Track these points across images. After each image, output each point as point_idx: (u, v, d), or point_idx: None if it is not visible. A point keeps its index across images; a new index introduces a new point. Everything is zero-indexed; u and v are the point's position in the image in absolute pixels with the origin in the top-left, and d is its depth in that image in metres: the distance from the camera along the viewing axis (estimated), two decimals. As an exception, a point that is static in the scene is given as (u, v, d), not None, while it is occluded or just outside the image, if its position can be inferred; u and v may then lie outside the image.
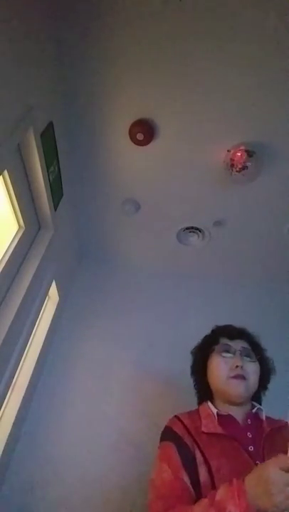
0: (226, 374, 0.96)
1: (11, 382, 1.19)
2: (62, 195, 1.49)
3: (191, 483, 0.81)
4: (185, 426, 0.92)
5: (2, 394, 1.09)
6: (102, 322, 1.79)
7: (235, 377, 0.94)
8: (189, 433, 0.90)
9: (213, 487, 0.78)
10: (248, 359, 0.99)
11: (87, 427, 1.41)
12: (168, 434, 0.92)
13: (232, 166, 1.37)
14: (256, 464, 0.80)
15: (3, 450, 1.17)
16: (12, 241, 1.18)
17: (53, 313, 1.62)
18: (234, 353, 0.99)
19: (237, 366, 0.95)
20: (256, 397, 1.02)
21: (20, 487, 1.24)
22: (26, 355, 1.42)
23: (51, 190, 1.30)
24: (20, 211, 1.18)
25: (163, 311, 1.87)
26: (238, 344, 1.03)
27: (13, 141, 0.97)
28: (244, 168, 1.35)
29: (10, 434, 1.20)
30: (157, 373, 1.59)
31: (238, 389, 0.93)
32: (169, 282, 2.01)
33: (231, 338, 1.05)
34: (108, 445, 1.36)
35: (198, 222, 1.78)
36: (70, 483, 1.26)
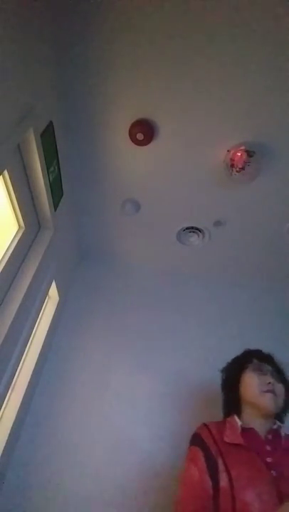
0: (259, 388, 1.06)
1: (11, 382, 1.19)
2: (62, 195, 1.49)
3: (212, 486, 0.91)
4: (212, 435, 1.03)
5: (2, 394, 1.09)
6: (102, 322, 1.79)
7: (268, 391, 1.04)
8: (215, 441, 1.00)
9: (232, 493, 0.87)
10: (277, 380, 1.10)
11: (87, 426, 1.41)
12: (196, 440, 1.03)
13: (232, 166, 1.37)
14: (271, 474, 0.89)
15: (3, 450, 1.17)
16: (12, 241, 1.18)
17: (53, 313, 1.62)
18: (265, 373, 1.11)
19: (269, 383, 1.06)
20: (280, 417, 1.11)
21: (20, 487, 1.24)
22: (26, 354, 1.42)
23: (51, 190, 1.31)
24: (21, 211, 1.18)
25: (163, 310, 1.87)
26: (268, 366, 1.15)
27: (13, 141, 0.97)
28: (244, 168, 1.35)
29: (10, 434, 1.20)
30: (157, 373, 1.59)
31: (270, 402, 1.03)
32: (168, 282, 2.02)
33: (261, 360, 1.18)
34: (108, 445, 1.36)
35: (198, 222, 1.78)
36: (69, 483, 1.26)
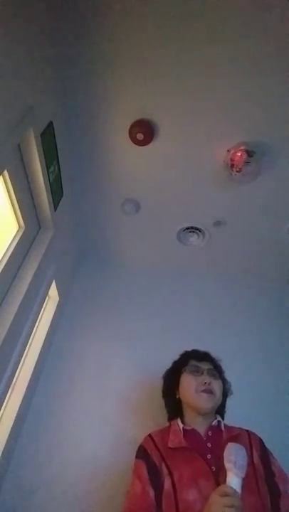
0: (195, 389, 1.10)
1: (11, 382, 1.19)
2: (62, 195, 1.49)
3: (156, 495, 0.94)
4: (155, 444, 1.06)
5: (2, 394, 1.09)
6: (102, 322, 1.79)
7: (205, 391, 1.08)
8: (158, 450, 1.03)
9: (175, 495, 0.91)
10: (214, 378, 1.13)
11: (87, 426, 1.41)
12: (140, 453, 1.06)
13: (232, 166, 1.37)
14: (212, 469, 0.94)
15: (3, 450, 1.17)
16: (12, 241, 1.18)
17: (53, 312, 1.62)
18: (202, 373, 1.14)
19: (206, 383, 1.10)
20: (220, 411, 1.15)
21: (20, 487, 1.24)
22: (26, 354, 1.42)
23: (51, 190, 1.30)
24: (21, 211, 1.18)
25: (162, 310, 1.87)
26: (205, 365, 1.18)
27: (13, 141, 0.97)
28: (244, 168, 1.35)
29: (10, 434, 1.20)
30: (157, 373, 1.59)
31: (205, 401, 1.07)
32: (169, 282, 2.02)
33: (199, 360, 1.20)
34: (108, 445, 1.36)
35: (198, 222, 1.78)
36: (70, 483, 1.26)
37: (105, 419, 1.43)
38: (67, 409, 1.45)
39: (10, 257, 1.13)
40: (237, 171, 1.37)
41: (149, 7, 1.11)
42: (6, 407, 1.26)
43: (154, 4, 1.10)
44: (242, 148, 1.34)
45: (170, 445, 1.02)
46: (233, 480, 0.80)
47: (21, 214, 1.19)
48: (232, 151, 1.37)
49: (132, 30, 1.16)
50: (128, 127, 1.39)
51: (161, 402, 1.33)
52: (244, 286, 2.00)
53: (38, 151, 1.11)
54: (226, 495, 0.77)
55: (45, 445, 1.34)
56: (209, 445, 1.01)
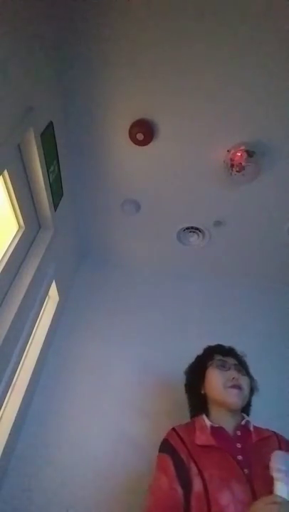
0: (223, 384, 1.05)
1: (11, 382, 1.19)
2: (62, 195, 1.49)
3: (184, 493, 0.88)
4: (181, 439, 1.00)
5: (2, 394, 1.09)
6: (102, 322, 1.79)
7: (233, 386, 1.03)
8: (185, 446, 0.97)
9: (207, 497, 0.85)
10: (241, 373, 1.09)
11: (87, 426, 1.41)
12: (165, 447, 1.00)
13: (232, 166, 1.37)
14: (244, 472, 0.88)
15: (3, 450, 1.17)
16: (12, 241, 1.18)
17: (53, 312, 1.62)
18: (229, 368, 1.10)
19: (234, 378, 1.05)
20: (245, 409, 1.11)
21: (20, 487, 1.24)
22: (26, 354, 1.42)
23: (51, 190, 1.30)
24: (21, 211, 1.18)
25: (163, 310, 1.87)
26: (231, 360, 1.13)
27: (13, 141, 0.97)
28: (244, 168, 1.35)
29: (10, 434, 1.20)
30: (157, 373, 1.59)
31: (235, 397, 1.02)
32: (168, 282, 2.02)
33: (224, 355, 1.16)
34: (108, 445, 1.36)
35: (198, 222, 1.78)
36: (70, 483, 1.26)
37: (105, 419, 1.43)
38: (67, 409, 1.45)
39: (10, 257, 1.13)
40: (237, 171, 1.37)
41: (149, 7, 1.11)
42: (6, 407, 1.26)
43: (154, 4, 1.10)
44: (242, 148, 1.34)
45: (198, 442, 0.97)
46: (283, 488, 0.77)
47: (21, 214, 1.19)
48: (232, 151, 1.37)
49: (132, 30, 1.16)
50: (128, 127, 1.39)
51: (161, 401, 1.34)
52: (244, 286, 2.00)
53: (38, 151, 1.11)
54: (274, 503, 0.74)
55: (45, 445, 1.34)
56: (239, 446, 0.96)
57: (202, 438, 0.98)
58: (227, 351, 1.18)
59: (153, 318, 1.82)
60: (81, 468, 1.30)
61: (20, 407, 1.27)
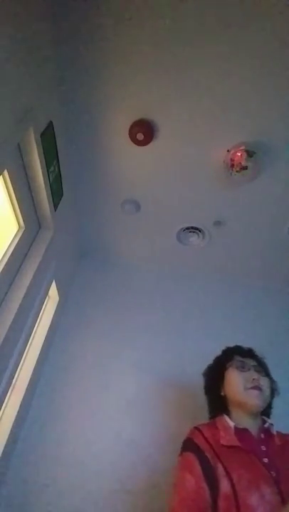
0: (244, 386, 1.03)
1: (11, 382, 1.19)
2: (62, 195, 1.49)
3: (210, 494, 0.86)
4: (206, 438, 0.97)
5: (2, 394, 1.09)
6: (102, 321, 1.80)
7: (253, 388, 1.01)
8: (210, 445, 0.95)
9: (236, 498, 0.83)
10: (261, 374, 1.07)
11: (87, 426, 1.41)
12: (189, 445, 0.98)
13: (232, 166, 1.37)
14: (272, 475, 0.88)
15: (3, 450, 1.17)
16: (12, 241, 1.18)
17: (53, 312, 1.62)
18: (249, 369, 1.07)
19: (254, 379, 1.03)
20: (266, 411, 1.08)
21: (20, 487, 1.24)
22: (26, 354, 1.42)
23: (51, 190, 1.31)
24: (21, 211, 1.18)
25: (163, 310, 1.87)
26: (250, 361, 1.11)
27: (13, 141, 0.97)
28: (244, 168, 1.35)
29: (10, 434, 1.20)
30: (157, 372, 1.59)
31: (256, 399, 1.00)
32: (168, 282, 2.02)
33: (243, 356, 1.13)
34: (108, 445, 1.36)
35: (198, 222, 1.78)
36: (70, 483, 1.26)
37: (105, 419, 1.43)
38: (67, 409, 1.45)
39: (10, 257, 1.13)
40: (237, 171, 1.37)
41: (149, 7, 1.11)
42: (6, 407, 1.26)
43: (154, 4, 1.10)
44: (242, 148, 1.34)
45: (223, 442, 0.95)
46: None
47: (21, 214, 1.19)
48: (232, 151, 1.37)
49: (132, 30, 1.16)
50: (128, 127, 1.39)
51: (162, 401, 1.34)
52: (244, 286, 2.00)
53: (38, 151, 1.11)
54: None
55: (45, 445, 1.34)
56: (264, 448, 0.95)
57: (227, 438, 0.96)
58: (246, 352, 1.16)
59: (153, 318, 1.82)
60: (81, 467, 1.30)
61: (20, 407, 1.27)
